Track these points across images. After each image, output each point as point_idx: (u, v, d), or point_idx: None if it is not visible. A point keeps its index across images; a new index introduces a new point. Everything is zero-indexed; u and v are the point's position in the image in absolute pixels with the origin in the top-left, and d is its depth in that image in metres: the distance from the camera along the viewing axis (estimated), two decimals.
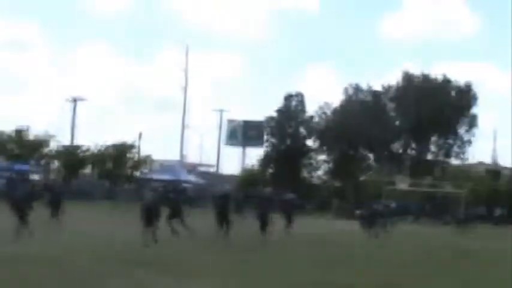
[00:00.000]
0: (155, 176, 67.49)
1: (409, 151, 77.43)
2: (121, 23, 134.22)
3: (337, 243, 28.15)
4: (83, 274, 14.28)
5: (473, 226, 47.37)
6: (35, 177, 67.07)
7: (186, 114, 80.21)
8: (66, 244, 19.70)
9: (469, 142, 75.93)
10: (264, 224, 25.26)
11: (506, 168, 77.99)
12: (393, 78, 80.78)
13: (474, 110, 76.30)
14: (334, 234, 33.57)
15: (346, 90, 77.28)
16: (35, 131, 72.35)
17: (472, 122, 76.12)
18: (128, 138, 74.66)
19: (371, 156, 77.24)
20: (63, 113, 76.09)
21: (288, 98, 77.26)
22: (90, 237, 22.96)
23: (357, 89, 76.91)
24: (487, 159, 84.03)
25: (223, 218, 24.99)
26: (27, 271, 14.25)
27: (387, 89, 77.07)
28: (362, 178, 76.02)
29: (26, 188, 24.04)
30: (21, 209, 21.53)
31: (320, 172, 78.65)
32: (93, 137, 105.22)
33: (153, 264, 16.34)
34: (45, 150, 72.76)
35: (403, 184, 70.51)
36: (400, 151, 77.38)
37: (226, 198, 26.21)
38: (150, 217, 22.45)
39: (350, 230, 36.11)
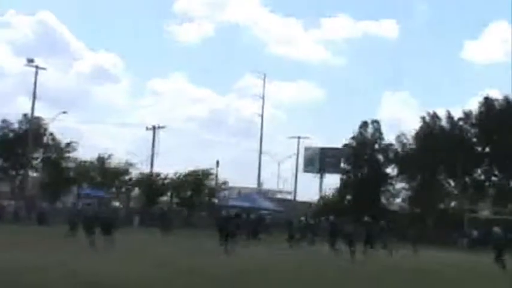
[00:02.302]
0: (233, 203, 67.90)
1: (492, 178, 75.56)
2: (200, 53, 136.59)
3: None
4: None
5: None
6: (117, 204, 68.36)
7: (262, 141, 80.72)
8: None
9: None
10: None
11: None
12: (474, 105, 79.21)
13: None
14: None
15: (423, 118, 76.08)
16: (116, 159, 74.11)
17: None
18: (206, 165, 75.47)
19: (452, 183, 75.68)
20: (143, 141, 77.60)
21: (364, 125, 76.73)
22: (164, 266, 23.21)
23: (435, 116, 75.65)
24: None
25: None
26: None
27: (468, 115, 75.57)
28: (443, 206, 74.62)
29: None
30: None
31: (399, 199, 77.64)
32: (172, 164, 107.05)
33: None
34: (126, 177, 74.25)
35: (485, 212, 69.05)
36: (483, 178, 75.60)
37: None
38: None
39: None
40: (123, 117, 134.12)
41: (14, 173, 67.01)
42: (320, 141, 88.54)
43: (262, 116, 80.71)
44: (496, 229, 32.50)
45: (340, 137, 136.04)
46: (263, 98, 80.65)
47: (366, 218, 35.54)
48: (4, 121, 67.15)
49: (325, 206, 73.52)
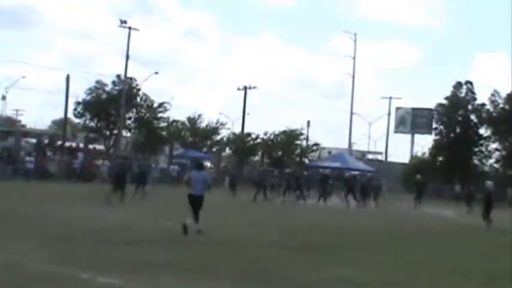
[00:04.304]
0: (324, 164, 67.89)
1: None
2: (292, 13, 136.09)
3: None
4: (255, 257, 14.86)
5: None
6: (208, 164, 69.51)
7: (353, 102, 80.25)
8: (237, 228, 20.34)
9: None
10: None
11: None
12: None
13: None
14: None
15: None
16: (207, 119, 75.04)
17: None
18: (297, 125, 75.69)
19: None
20: (234, 101, 78.26)
21: (457, 86, 75.21)
22: (258, 223, 23.70)
23: None
24: None
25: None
26: (204, 253, 15.10)
27: None
28: None
29: None
30: None
31: (492, 160, 76.15)
32: (263, 125, 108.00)
33: (315, 249, 16.77)
34: (217, 137, 75.10)
35: None
36: None
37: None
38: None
39: None
40: (215, 77, 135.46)
41: (107, 133, 68.32)
42: (411, 102, 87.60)
43: (353, 77, 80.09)
44: (489, 183, 31.85)
45: (431, 98, 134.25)
46: (354, 58, 79.94)
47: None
48: (98, 82, 68.40)
49: (417, 166, 72.78)
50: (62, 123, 69.09)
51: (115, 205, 27.72)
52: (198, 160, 25.26)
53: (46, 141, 61.61)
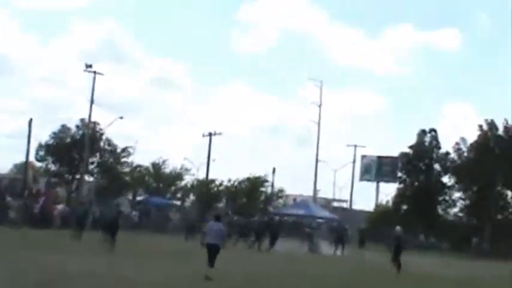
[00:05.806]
0: (288, 211, 67.48)
1: None
2: (260, 60, 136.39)
3: None
4: None
5: None
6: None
7: (319, 149, 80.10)
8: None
9: None
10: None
11: None
12: None
13: None
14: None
15: (481, 126, 74.39)
16: (172, 165, 74.55)
17: None
18: (263, 172, 75.40)
19: (510, 194, 73.97)
20: (200, 147, 77.72)
21: (422, 134, 75.70)
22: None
23: (492, 124, 73.88)
24: None
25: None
26: None
27: None
28: (500, 216, 73.02)
29: None
30: None
31: (456, 209, 76.31)
32: (229, 171, 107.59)
33: None
34: (181, 183, 74.55)
35: None
36: None
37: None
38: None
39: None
40: (182, 123, 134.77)
41: (70, 177, 67.32)
42: (377, 150, 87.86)
43: (319, 124, 79.97)
44: (398, 228, 31.39)
45: (397, 146, 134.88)
46: (320, 105, 79.94)
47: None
48: (63, 126, 67.61)
49: (381, 214, 72.86)
50: (23, 167, 67.90)
51: (79, 252, 27.08)
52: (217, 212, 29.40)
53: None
